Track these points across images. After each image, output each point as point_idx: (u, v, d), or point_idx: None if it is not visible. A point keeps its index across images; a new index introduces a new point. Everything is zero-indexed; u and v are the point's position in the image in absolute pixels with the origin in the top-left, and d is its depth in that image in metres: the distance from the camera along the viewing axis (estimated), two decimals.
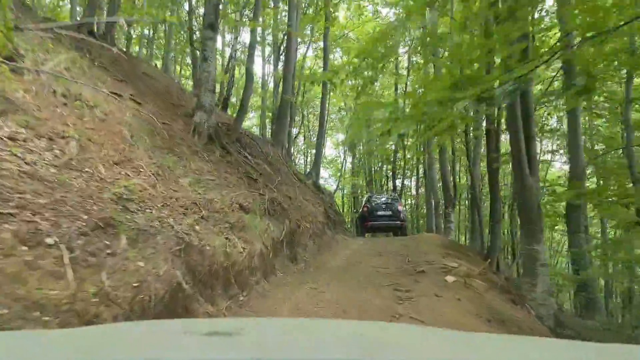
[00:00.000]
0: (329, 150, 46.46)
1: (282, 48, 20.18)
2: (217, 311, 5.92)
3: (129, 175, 6.86)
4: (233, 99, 20.65)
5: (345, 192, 42.04)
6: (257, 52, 27.41)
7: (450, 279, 8.02)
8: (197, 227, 6.51)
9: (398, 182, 30.82)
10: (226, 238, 7.07)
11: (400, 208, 16.12)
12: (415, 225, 34.70)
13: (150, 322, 2.45)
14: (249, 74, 12.74)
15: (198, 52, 13.27)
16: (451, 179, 19.03)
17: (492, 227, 13.18)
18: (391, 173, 30.01)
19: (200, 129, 10.47)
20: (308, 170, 20.37)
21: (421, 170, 32.29)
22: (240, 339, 1.17)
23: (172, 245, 5.37)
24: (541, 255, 8.31)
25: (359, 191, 39.20)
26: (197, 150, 9.90)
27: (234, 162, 11.05)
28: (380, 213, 15.60)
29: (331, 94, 31.57)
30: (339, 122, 38.80)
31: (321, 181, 25.02)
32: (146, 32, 19.89)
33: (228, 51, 20.22)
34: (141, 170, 7.28)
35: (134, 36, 17.91)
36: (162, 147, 8.91)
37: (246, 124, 23.72)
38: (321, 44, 21.02)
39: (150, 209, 6.16)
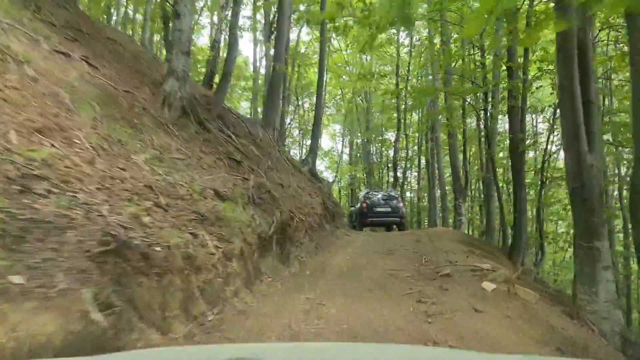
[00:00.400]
0: (325, 143, 44.65)
1: (273, 26, 18.21)
2: (170, 340, 4.02)
3: (54, 147, 4.91)
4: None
5: (342, 184, 40.18)
6: (248, 37, 25.27)
7: (488, 286, 6.15)
8: (145, 219, 4.58)
9: (399, 174, 28.93)
10: (191, 234, 5.15)
11: (399, 204, 15.56)
12: (415, 219, 32.90)
13: (176, 349, 2.33)
14: (233, 36, 10.75)
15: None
16: (462, 166, 17.16)
17: (516, 219, 11.33)
18: (392, 164, 28.11)
19: (172, 100, 8.51)
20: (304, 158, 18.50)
21: (423, 161, 30.46)
22: None
23: (91, 245, 3.46)
24: (604, 256, 6.45)
25: (357, 184, 37.37)
26: (165, 124, 7.94)
27: (212, 141, 9.11)
28: (379, 209, 15.05)
29: (327, 78, 29.65)
30: (336, 110, 36.87)
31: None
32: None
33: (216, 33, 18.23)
34: (76, 142, 5.33)
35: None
36: (116, 117, 6.95)
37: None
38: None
39: (74, 192, 4.23)
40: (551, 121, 11.14)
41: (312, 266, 8.05)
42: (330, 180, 30.83)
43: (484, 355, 1.52)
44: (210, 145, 8.97)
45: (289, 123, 23.89)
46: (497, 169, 13.31)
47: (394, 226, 15.51)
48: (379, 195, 15.78)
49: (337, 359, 1.34)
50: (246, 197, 7.33)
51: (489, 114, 12.32)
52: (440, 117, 18.98)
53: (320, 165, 38.41)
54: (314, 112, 17.40)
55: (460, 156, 17.24)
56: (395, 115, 28.26)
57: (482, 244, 11.84)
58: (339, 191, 39.87)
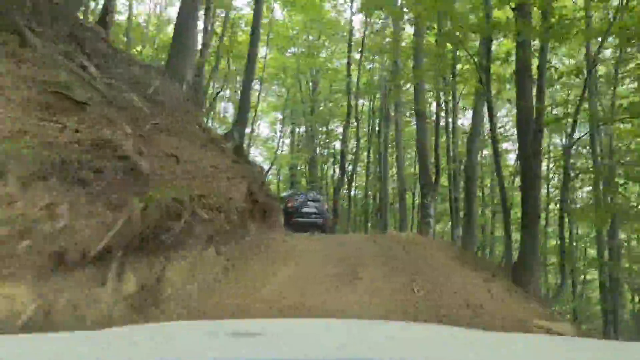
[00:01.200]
0: (265, 132, 40.25)
1: None
2: None
3: None
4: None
5: (281, 177, 36.04)
6: None
7: None
8: None
9: (348, 168, 25.36)
10: None
11: (323, 206, 15.69)
12: (360, 220, 29.57)
13: (175, 323, 2.31)
14: None
15: None
16: (433, 154, 13.69)
17: (525, 225, 7.89)
18: (340, 155, 24.48)
19: None
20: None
21: (372, 153, 27.07)
22: (264, 340, 1.20)
23: None
24: None
25: (298, 177, 33.46)
26: None
27: (36, 61, 4.82)
28: (304, 210, 15.09)
29: (268, 51, 25.51)
30: (277, 97, 32.63)
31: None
32: None
33: None
34: None
35: None
36: None
37: None
38: None
39: None
40: (586, 83, 7.76)
41: (208, 309, 4.00)
42: (265, 166, 26.72)
43: (487, 333, 1.53)
44: (28, 66, 4.67)
45: (219, 90, 18.73)
46: (499, 152, 9.78)
47: (320, 228, 15.38)
48: (305, 197, 16.01)
49: (338, 335, 1.34)
50: (51, 165, 3.16)
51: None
52: (402, 96, 15.64)
53: (256, 154, 34.15)
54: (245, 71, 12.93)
55: (433, 141, 13.72)
56: (344, 104, 24.83)
57: (478, 260, 8.28)
58: (278, 185, 35.72)
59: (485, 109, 12.27)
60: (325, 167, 32.43)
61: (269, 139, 35.75)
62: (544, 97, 8.16)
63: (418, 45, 12.90)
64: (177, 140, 6.65)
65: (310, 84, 28.57)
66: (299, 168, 33.27)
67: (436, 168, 13.45)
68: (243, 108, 12.29)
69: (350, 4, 25.51)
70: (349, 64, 23.78)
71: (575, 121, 8.20)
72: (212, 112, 19.06)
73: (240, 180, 8.38)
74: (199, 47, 11.23)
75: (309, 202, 15.26)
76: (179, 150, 6.43)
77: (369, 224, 27.02)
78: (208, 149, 8.37)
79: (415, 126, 26.91)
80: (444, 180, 17.76)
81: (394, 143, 24.80)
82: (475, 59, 8.76)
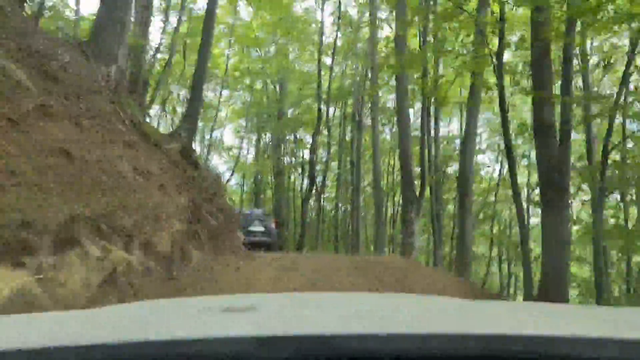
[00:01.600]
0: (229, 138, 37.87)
1: None
2: None
3: None
4: None
5: (245, 188, 33.74)
6: None
7: None
8: None
9: (318, 179, 23.53)
10: None
11: (271, 225, 15.74)
12: (329, 234, 27.63)
13: (167, 300, 2.07)
14: None
15: None
16: (417, 159, 11.92)
17: (546, 256, 6.15)
18: (309, 164, 22.64)
19: None
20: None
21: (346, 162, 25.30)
22: (258, 315, 1.19)
23: None
24: None
25: (263, 187, 31.33)
26: None
27: None
28: (252, 229, 14.83)
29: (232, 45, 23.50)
30: (241, 103, 30.46)
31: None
32: None
33: None
34: None
35: None
36: None
37: None
38: None
39: None
40: (630, 68, 6.16)
41: None
42: (227, 175, 24.57)
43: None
44: None
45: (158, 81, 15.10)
46: (515, 159, 7.94)
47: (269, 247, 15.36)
48: (254, 215, 15.99)
49: (336, 308, 1.31)
50: None
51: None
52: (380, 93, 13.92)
53: (219, 163, 31.80)
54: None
55: (416, 149, 11.97)
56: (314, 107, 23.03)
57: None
58: (241, 196, 33.42)
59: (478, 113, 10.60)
60: (293, 177, 30.39)
61: (232, 147, 33.46)
62: (571, 87, 6.49)
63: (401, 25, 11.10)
64: (78, 132, 4.55)
65: (278, 87, 26.58)
66: (265, 180, 31.07)
67: (422, 180, 11.69)
68: (194, 100, 10.06)
69: (321, 5, 23.92)
70: (319, 65, 22.02)
71: (611, 121, 6.53)
72: (163, 110, 16.68)
73: (181, 190, 6.32)
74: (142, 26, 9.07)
75: (256, 221, 15.26)
76: (78, 145, 4.34)
77: (340, 240, 25.04)
78: (138, 148, 6.27)
79: (388, 135, 25.41)
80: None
81: (368, 152, 23.20)
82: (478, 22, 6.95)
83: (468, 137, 10.69)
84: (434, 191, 14.10)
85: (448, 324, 1.06)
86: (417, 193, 11.59)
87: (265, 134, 29.50)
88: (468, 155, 10.65)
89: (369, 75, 20.61)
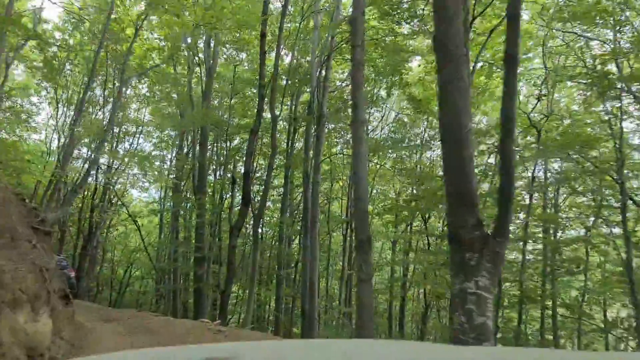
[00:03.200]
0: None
1: None
2: None
3: None
4: None
5: (164, 206, 26.10)
6: None
7: None
8: None
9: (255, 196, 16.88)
10: None
11: (70, 274, 13.14)
12: (268, 276, 20.68)
13: (156, 350, 2.16)
14: None
15: None
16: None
17: None
18: (243, 178, 15.95)
19: None
20: None
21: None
22: None
23: None
24: None
25: (189, 212, 23.98)
26: None
27: None
28: None
29: None
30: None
31: None
32: None
33: None
34: None
35: None
36: None
37: None
38: None
39: None
40: None
41: None
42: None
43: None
44: None
45: None
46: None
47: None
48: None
49: (319, 356, 1.37)
50: None
51: None
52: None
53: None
54: None
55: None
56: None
57: None
58: (160, 219, 25.77)
59: None
60: (225, 192, 23.15)
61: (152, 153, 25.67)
62: None
63: None
64: None
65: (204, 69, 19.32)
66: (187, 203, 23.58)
67: None
68: None
69: None
70: (262, 38, 15.47)
71: None
72: None
73: None
74: None
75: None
76: None
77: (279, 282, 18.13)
78: None
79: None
80: None
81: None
82: None
83: None
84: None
85: None
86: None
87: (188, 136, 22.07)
88: None
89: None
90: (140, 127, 23.15)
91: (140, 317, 11.41)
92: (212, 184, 20.78)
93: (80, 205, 22.02)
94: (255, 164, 18.78)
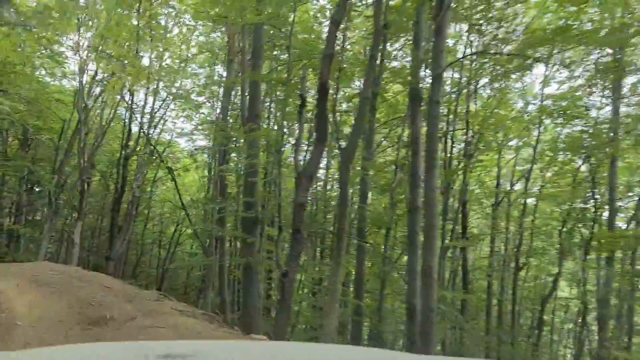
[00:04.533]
0: None
1: None
2: None
3: None
4: None
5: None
6: None
7: None
8: None
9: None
10: None
11: None
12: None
13: (110, 344, 2.30)
14: None
15: None
16: None
17: None
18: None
19: None
20: None
21: None
22: None
23: None
24: None
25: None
26: None
27: None
28: None
29: None
30: None
31: None
32: None
33: None
34: None
35: None
36: None
37: None
38: None
39: None
40: None
41: None
42: None
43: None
44: None
45: None
46: None
47: None
48: None
49: (277, 357, 1.32)
50: None
51: None
52: None
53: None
54: None
55: None
56: None
57: None
58: (209, 171, 20.46)
59: None
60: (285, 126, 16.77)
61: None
62: None
63: None
64: None
65: None
66: None
67: None
68: None
69: None
70: None
71: None
72: None
73: None
74: None
75: None
76: None
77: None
78: None
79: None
80: None
81: None
82: None
83: None
84: None
85: None
86: None
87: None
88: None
89: None
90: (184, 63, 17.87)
91: None
92: (267, 112, 14.67)
93: (117, 156, 17.67)
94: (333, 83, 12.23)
